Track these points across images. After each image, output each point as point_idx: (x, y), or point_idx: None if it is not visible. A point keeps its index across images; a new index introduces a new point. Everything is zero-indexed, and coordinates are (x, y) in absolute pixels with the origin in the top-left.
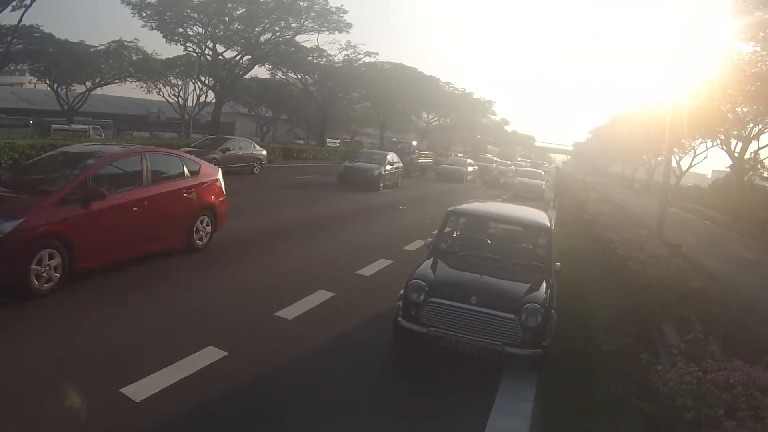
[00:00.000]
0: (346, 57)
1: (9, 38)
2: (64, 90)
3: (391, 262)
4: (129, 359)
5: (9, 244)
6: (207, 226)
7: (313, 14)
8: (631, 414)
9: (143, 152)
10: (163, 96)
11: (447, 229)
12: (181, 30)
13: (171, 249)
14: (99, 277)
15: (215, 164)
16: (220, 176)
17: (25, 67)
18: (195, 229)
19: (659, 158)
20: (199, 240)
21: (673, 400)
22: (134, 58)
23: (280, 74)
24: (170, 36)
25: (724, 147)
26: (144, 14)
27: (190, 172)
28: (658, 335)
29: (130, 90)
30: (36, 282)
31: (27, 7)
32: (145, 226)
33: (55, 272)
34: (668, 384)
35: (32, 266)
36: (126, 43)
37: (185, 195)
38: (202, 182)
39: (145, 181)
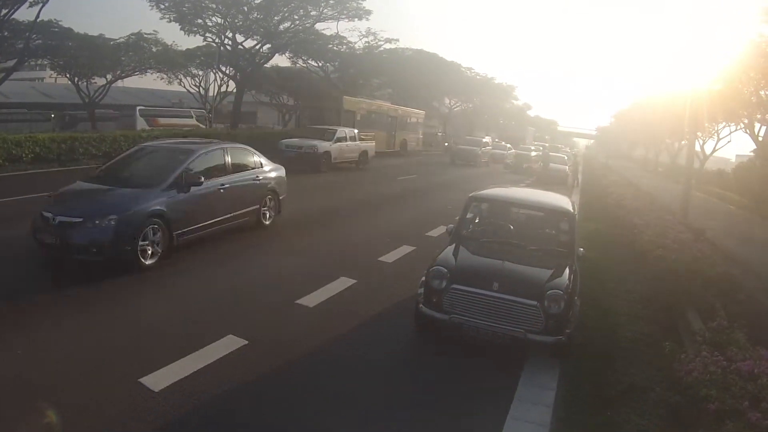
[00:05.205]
0: (367, 44)
1: (28, 34)
2: (85, 83)
3: (414, 248)
4: (149, 349)
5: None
6: (272, 208)
7: (331, 2)
8: (654, 403)
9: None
10: (184, 86)
11: (469, 215)
12: (199, 21)
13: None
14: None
15: None
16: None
17: (45, 62)
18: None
19: (682, 142)
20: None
21: (697, 390)
22: (154, 50)
23: (300, 62)
24: (189, 27)
25: (747, 131)
26: (162, 6)
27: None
28: (683, 322)
29: (150, 81)
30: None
31: (44, 3)
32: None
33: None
34: (692, 373)
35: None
36: (145, 36)
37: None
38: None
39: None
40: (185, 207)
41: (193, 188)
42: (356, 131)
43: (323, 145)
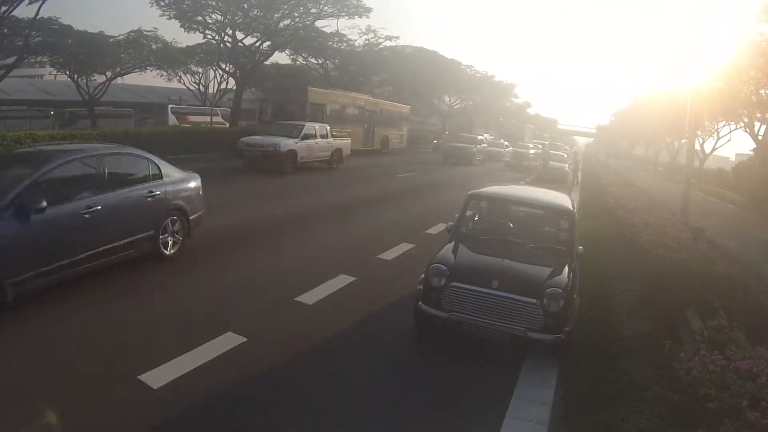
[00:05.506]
0: (367, 41)
1: (27, 31)
2: (85, 80)
3: (413, 246)
4: (148, 347)
5: None
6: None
7: None
8: (653, 402)
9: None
10: (184, 84)
11: (468, 213)
12: (199, 18)
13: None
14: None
15: None
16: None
17: (45, 59)
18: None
19: (682, 141)
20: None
21: (696, 389)
22: (154, 47)
23: (300, 60)
24: (189, 24)
25: (747, 130)
26: (162, 3)
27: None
28: (682, 321)
29: (150, 79)
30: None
31: (44, 0)
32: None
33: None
34: (691, 372)
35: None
36: (145, 33)
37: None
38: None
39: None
40: (24, 242)
41: (35, 216)
42: (328, 127)
43: (287, 143)
